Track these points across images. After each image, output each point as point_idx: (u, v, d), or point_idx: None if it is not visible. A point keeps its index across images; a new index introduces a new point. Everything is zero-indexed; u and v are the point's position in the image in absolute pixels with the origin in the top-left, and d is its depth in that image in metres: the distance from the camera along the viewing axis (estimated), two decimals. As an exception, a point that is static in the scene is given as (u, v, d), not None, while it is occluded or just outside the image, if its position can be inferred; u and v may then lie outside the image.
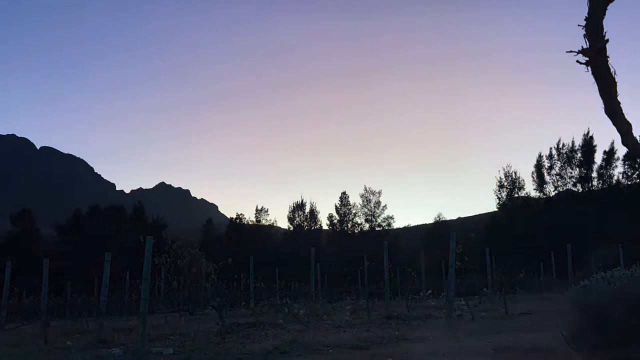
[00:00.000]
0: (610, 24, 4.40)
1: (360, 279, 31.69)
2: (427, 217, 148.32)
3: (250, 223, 58.26)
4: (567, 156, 49.92)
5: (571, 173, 49.77)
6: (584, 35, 4.46)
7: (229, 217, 61.45)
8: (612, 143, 48.43)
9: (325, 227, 58.90)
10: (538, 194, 51.23)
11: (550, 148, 51.06)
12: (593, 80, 4.52)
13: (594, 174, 48.94)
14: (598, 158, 49.05)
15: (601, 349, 4.75)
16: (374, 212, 57.95)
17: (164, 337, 10.53)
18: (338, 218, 58.54)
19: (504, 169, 53.06)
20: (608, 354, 4.62)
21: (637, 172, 47.31)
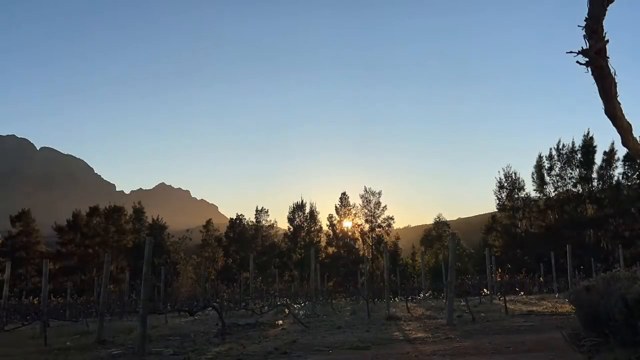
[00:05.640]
0: (611, 24, 4.40)
1: (360, 280, 31.72)
2: (427, 217, 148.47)
3: (250, 224, 58.21)
4: (567, 157, 49.93)
5: (571, 174, 49.80)
6: (584, 36, 4.46)
7: (229, 217, 61.33)
8: (612, 144, 48.52)
9: (325, 227, 58.89)
10: (538, 195, 51.27)
11: (550, 149, 51.19)
12: (593, 80, 4.53)
13: (594, 175, 48.97)
14: (598, 159, 49.16)
15: (601, 349, 4.75)
16: (374, 212, 57.93)
17: (164, 337, 10.53)
18: (338, 219, 58.55)
19: (504, 170, 53.18)
20: (608, 354, 4.62)
21: (637, 173, 47.29)
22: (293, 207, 58.34)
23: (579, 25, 4.50)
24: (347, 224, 57.96)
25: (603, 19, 4.42)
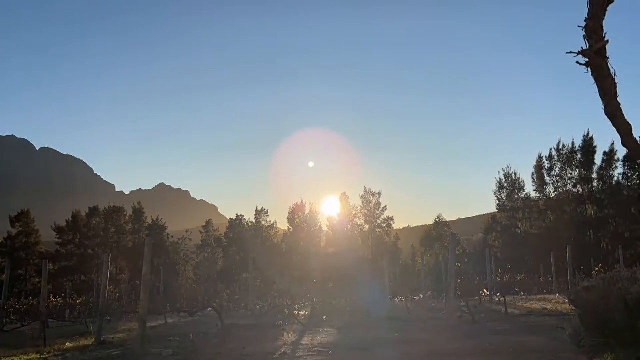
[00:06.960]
0: (611, 24, 4.40)
1: (360, 280, 31.68)
2: (427, 218, 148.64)
3: (250, 224, 58.17)
4: (567, 157, 49.86)
5: (571, 174, 49.74)
6: (584, 36, 4.46)
7: (228, 218, 61.27)
8: (612, 144, 48.41)
9: (325, 228, 58.84)
10: (538, 195, 51.23)
11: (551, 149, 51.08)
12: (593, 81, 4.52)
13: (594, 175, 48.90)
14: (598, 159, 49.04)
15: (601, 350, 4.74)
16: (374, 213, 57.90)
17: (164, 338, 10.52)
18: (338, 219, 58.50)
19: (504, 170, 53.12)
20: (608, 355, 4.61)
21: (637, 173, 47.27)
22: (293, 207, 58.33)
23: (579, 26, 4.49)
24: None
25: (603, 19, 4.41)
